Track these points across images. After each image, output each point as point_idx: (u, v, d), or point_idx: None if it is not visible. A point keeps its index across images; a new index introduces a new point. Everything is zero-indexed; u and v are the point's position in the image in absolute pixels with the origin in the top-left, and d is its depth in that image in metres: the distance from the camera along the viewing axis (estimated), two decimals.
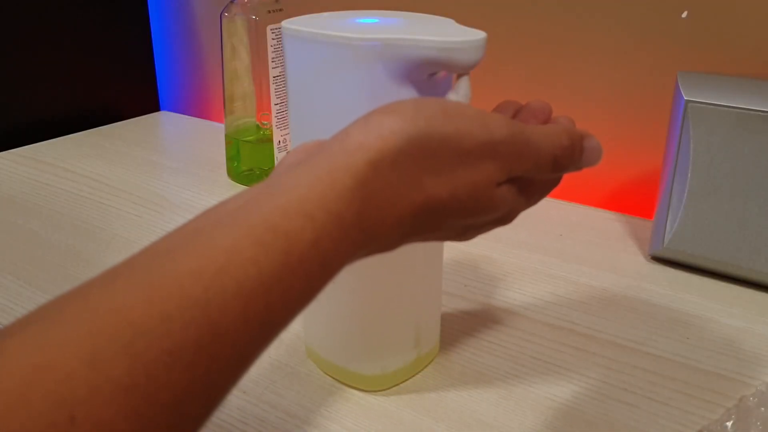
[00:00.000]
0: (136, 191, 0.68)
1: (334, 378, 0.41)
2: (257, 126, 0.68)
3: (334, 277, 0.24)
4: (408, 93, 0.36)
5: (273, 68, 0.63)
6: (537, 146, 0.28)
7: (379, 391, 0.40)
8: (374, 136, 0.25)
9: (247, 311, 0.20)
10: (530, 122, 0.32)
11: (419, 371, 0.42)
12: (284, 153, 0.67)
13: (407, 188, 0.25)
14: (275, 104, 0.65)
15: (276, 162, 0.66)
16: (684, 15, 0.58)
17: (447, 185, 0.26)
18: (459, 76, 0.36)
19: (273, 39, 0.63)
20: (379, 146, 0.24)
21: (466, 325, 0.46)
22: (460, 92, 0.33)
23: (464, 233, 0.30)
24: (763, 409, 0.38)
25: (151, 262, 0.20)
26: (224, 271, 0.20)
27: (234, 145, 0.69)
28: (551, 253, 0.56)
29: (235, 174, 0.70)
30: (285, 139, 0.66)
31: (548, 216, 0.64)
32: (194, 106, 0.97)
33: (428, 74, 0.36)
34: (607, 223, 0.62)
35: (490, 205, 0.28)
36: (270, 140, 0.66)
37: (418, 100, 0.27)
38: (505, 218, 0.30)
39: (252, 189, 0.24)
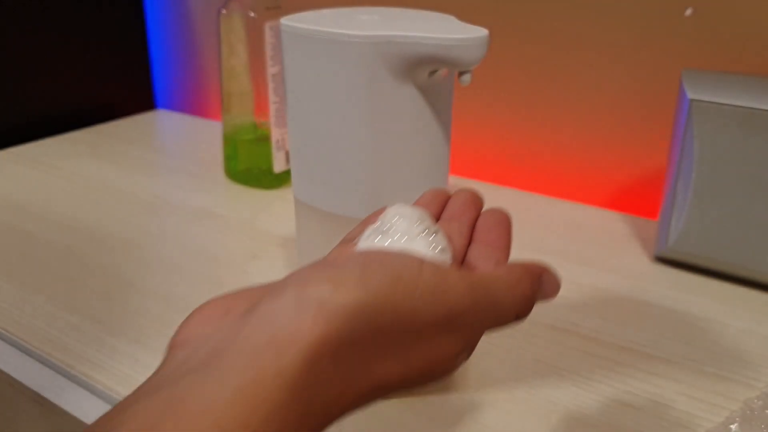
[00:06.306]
0: (132, 190, 0.68)
1: None
2: (255, 124, 0.67)
3: None
4: (408, 91, 0.35)
5: (271, 66, 0.63)
6: (501, 306, 0.25)
7: None
8: (311, 321, 0.20)
9: None
10: (464, 216, 0.30)
11: None
12: (282, 152, 0.66)
13: (353, 378, 0.21)
14: (273, 102, 0.64)
15: (274, 161, 0.66)
16: (688, 12, 0.58)
17: (398, 366, 0.22)
18: (461, 73, 0.35)
19: (271, 36, 0.62)
20: (317, 335, 0.19)
21: None
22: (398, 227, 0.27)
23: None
24: (767, 411, 0.38)
25: None
26: None
27: (231, 144, 0.68)
28: (553, 254, 0.56)
29: (232, 173, 0.70)
30: (283, 137, 0.65)
31: (551, 216, 0.63)
32: (191, 104, 0.96)
33: (429, 72, 0.36)
34: (610, 223, 0.62)
35: (443, 375, 0.24)
36: (268, 139, 0.65)
37: (365, 263, 0.22)
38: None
39: (146, 405, 0.18)
